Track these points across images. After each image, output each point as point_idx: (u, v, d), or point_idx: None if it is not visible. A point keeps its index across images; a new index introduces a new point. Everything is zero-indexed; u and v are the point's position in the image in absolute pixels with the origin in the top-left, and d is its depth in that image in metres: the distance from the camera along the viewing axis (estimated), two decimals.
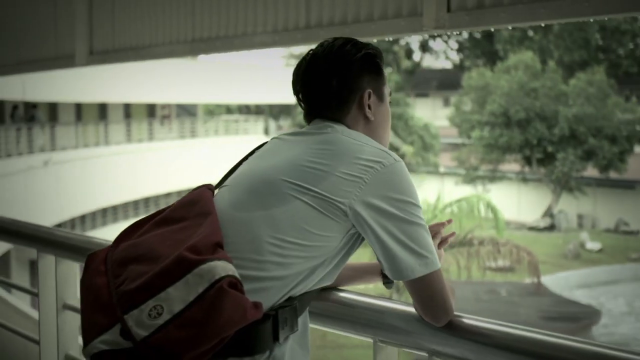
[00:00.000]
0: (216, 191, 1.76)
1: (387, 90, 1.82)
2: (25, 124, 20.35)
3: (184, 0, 4.41)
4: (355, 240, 1.66)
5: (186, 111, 30.07)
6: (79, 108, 25.54)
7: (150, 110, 28.60)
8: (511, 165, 31.70)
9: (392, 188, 1.59)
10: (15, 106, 21.48)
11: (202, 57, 30.27)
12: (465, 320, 1.67)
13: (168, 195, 26.38)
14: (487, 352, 1.61)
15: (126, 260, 1.55)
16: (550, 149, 29.14)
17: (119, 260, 1.56)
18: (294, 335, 1.63)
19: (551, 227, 28.93)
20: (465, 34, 38.85)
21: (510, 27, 3.01)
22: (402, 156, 33.52)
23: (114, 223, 23.86)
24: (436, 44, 44.48)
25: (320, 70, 1.75)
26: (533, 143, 29.31)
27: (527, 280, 17.74)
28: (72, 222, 21.12)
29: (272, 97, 31.51)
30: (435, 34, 3.22)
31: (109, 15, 5.12)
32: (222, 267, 1.47)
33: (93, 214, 22.64)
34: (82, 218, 21.83)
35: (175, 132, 26.81)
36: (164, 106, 28.81)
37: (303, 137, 1.71)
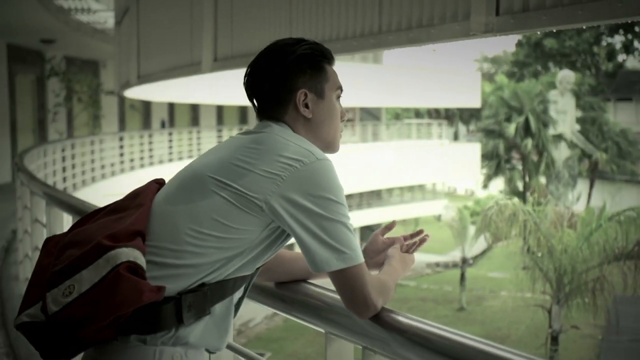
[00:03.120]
0: None
1: (330, 86, 1.88)
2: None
3: (281, 12, 4.67)
4: (279, 234, 1.76)
5: (370, 115, 30.54)
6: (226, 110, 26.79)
7: None
8: None
9: (310, 185, 1.66)
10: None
11: (387, 61, 30.65)
12: (395, 317, 1.72)
13: (350, 196, 27.03)
14: (414, 348, 1.66)
15: (68, 244, 1.75)
16: None
17: (63, 245, 1.77)
18: (211, 319, 1.76)
19: None
20: None
21: (554, 30, 2.91)
22: (595, 163, 31.75)
23: None
24: None
25: (257, 73, 1.87)
26: None
27: None
28: None
29: (461, 101, 31.16)
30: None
31: (228, 25, 5.51)
32: (125, 254, 1.64)
33: None
34: None
35: (359, 136, 27.34)
36: (348, 110, 29.48)
37: (245, 136, 1.84)
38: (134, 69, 8.84)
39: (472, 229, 24.91)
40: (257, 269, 1.84)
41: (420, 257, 30.93)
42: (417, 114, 40.57)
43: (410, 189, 30.98)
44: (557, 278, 13.47)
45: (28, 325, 1.64)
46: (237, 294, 1.85)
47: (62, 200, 4.41)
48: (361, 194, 27.86)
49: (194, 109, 23.70)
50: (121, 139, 16.22)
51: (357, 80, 26.01)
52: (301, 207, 1.66)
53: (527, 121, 30.77)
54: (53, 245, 1.78)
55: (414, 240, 2.02)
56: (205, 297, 1.71)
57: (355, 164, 25.09)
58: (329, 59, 1.90)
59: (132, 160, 16.07)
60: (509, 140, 31.28)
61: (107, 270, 1.61)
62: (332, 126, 1.88)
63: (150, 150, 17.10)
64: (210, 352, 1.88)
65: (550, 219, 14.36)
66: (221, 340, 1.81)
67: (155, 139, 17.57)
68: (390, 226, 2.04)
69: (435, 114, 39.70)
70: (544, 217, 14.09)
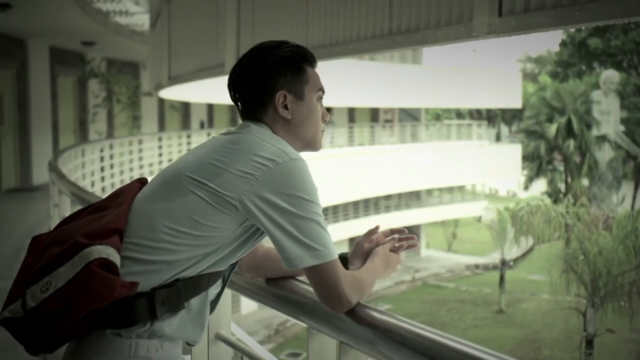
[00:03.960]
0: None
1: (311, 88, 1.91)
2: None
3: (298, 15, 4.75)
4: (254, 232, 1.82)
5: (409, 115, 30.43)
6: None
7: (374, 114, 29.40)
8: None
9: (283, 184, 1.71)
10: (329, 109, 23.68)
11: (427, 62, 30.51)
12: (370, 312, 1.76)
13: (388, 197, 26.99)
14: (387, 344, 1.69)
15: (51, 243, 1.82)
16: None
17: (47, 243, 1.83)
18: (187, 313, 1.82)
19: None
20: None
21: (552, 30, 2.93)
22: None
23: (334, 223, 24.87)
24: None
25: (239, 74, 1.92)
26: None
27: None
28: None
29: (501, 101, 30.87)
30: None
31: (250, 27, 5.60)
32: (99, 251, 1.70)
33: None
34: None
35: (397, 137, 27.28)
36: (387, 110, 29.46)
37: (225, 136, 1.89)
38: (165, 70, 9.03)
39: (512, 231, 24.65)
40: (231, 265, 1.89)
41: (460, 259, 30.74)
42: (458, 114, 40.26)
43: (450, 190, 30.79)
44: (592, 281, 13.27)
45: (9, 320, 1.71)
46: (214, 289, 1.90)
47: (85, 199, 4.54)
48: (399, 195, 27.78)
49: (233, 109, 23.92)
50: (160, 139, 16.47)
51: (395, 81, 25.97)
52: (274, 205, 1.70)
53: (569, 122, 30.34)
54: (38, 244, 1.84)
55: (402, 243, 2.03)
56: (178, 292, 1.76)
57: (394, 165, 25.04)
58: (311, 62, 1.93)
59: (170, 160, 16.30)
60: (551, 141, 30.89)
61: (80, 267, 1.67)
62: (312, 126, 1.92)
63: (189, 150, 17.33)
64: (190, 345, 1.94)
65: (585, 220, 14.13)
66: (198, 333, 1.87)
67: (194, 139, 17.78)
68: (372, 231, 2.05)
69: (476, 114, 39.32)
70: (579, 219, 13.87)
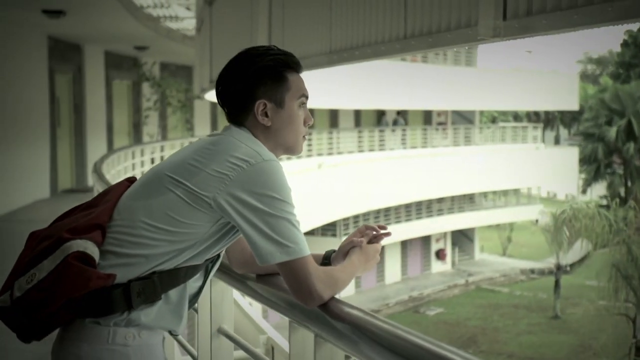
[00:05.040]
0: None
1: (292, 95, 1.98)
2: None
3: (323, 20, 4.87)
4: (229, 230, 1.92)
5: (463, 118, 30.16)
6: (357, 114, 27.04)
7: (427, 116, 29.25)
8: None
9: (255, 184, 1.79)
10: (382, 113, 25.80)
11: (481, 64, 30.20)
12: (342, 307, 1.83)
13: (441, 200, 26.82)
14: (358, 337, 1.74)
15: (44, 237, 1.95)
16: None
17: (40, 238, 1.97)
18: (166, 304, 1.93)
19: None
20: None
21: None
22: None
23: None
24: None
25: (224, 81, 2.02)
26: None
27: None
28: (335, 225, 22.41)
29: (558, 103, 30.35)
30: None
31: (280, 32, 5.73)
32: (77, 244, 1.84)
33: (358, 216, 23.69)
34: (345, 220, 22.97)
35: (450, 139, 27.09)
36: (440, 113, 29.27)
37: (207, 137, 2.00)
38: (207, 74, 9.24)
39: (566, 235, 24.22)
40: (211, 260, 2.00)
41: (515, 263, 30.32)
42: (516, 117, 39.68)
43: (504, 193, 30.39)
44: None
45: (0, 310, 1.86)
46: (195, 282, 2.01)
47: None
48: (452, 198, 27.57)
49: None
50: None
51: (449, 83, 25.81)
52: (246, 204, 1.80)
53: (629, 124, 29.61)
54: (34, 238, 1.97)
55: (379, 233, 2.08)
56: (154, 284, 1.87)
57: (446, 168, 24.88)
58: (294, 68, 2.00)
59: None
60: (610, 144, 30.21)
61: (60, 260, 1.81)
62: (292, 133, 2.00)
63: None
64: (173, 335, 2.07)
65: (635, 225, 13.79)
66: (176, 324, 1.97)
67: None
68: (361, 230, 2.11)
69: (534, 117, 38.67)
70: (627, 223, 13.54)
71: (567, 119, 42.14)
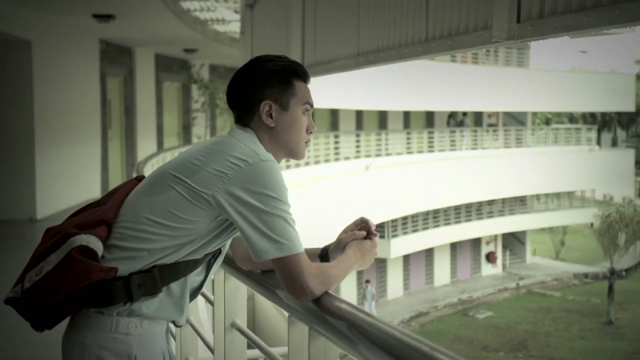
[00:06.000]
0: None
1: (297, 101, 2.06)
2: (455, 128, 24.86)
3: (351, 25, 4.96)
4: (227, 226, 2.01)
5: (515, 120, 29.78)
6: (407, 115, 26.95)
7: (477, 118, 28.98)
8: None
9: (252, 182, 1.88)
10: (450, 114, 26.38)
11: (535, 65, 29.77)
12: (335, 303, 1.89)
13: (491, 202, 26.53)
14: (348, 332, 1.79)
15: (56, 233, 2.07)
16: None
17: (53, 232, 2.09)
18: (167, 296, 2.03)
19: None
20: None
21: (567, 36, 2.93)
22: None
23: (434, 227, 24.69)
24: None
25: (234, 83, 2.12)
26: None
27: None
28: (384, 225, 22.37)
29: (613, 105, 29.71)
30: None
31: (312, 35, 5.83)
32: (81, 239, 1.96)
33: (407, 218, 23.60)
34: (394, 221, 22.89)
35: (501, 141, 26.79)
36: (490, 114, 28.96)
37: (211, 138, 2.12)
38: None
39: (622, 239, 23.74)
40: (212, 256, 2.09)
41: (568, 267, 29.79)
42: (571, 118, 38.97)
43: (557, 196, 29.89)
44: None
45: (12, 300, 1.98)
46: (196, 276, 2.10)
47: None
48: (503, 201, 27.24)
49: (333, 113, 24.25)
50: None
51: (499, 84, 25.54)
52: (243, 201, 1.88)
53: None
54: (49, 234, 2.09)
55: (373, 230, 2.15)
56: (154, 277, 1.97)
57: (497, 170, 24.63)
58: (301, 76, 2.09)
59: None
60: None
61: (65, 253, 1.93)
62: (294, 136, 2.08)
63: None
64: (176, 325, 2.15)
65: None
66: (178, 314, 2.07)
67: None
68: (357, 222, 2.18)
69: (590, 118, 37.90)
70: None
71: (624, 120, 41.17)
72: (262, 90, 2.04)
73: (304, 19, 5.97)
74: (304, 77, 2.09)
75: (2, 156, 11.43)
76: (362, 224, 2.15)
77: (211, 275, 2.20)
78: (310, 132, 2.12)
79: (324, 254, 2.19)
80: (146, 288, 1.96)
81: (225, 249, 2.15)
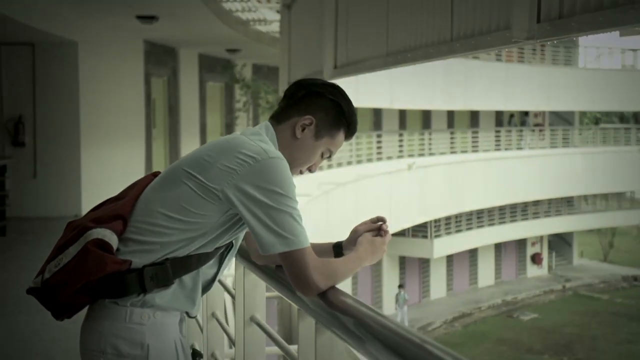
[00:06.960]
0: None
1: (327, 142, 2.17)
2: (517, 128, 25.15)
3: (381, 27, 5.02)
4: (237, 221, 2.09)
5: (562, 119, 29.32)
6: (451, 115, 26.77)
7: (523, 117, 28.62)
8: None
9: (261, 179, 1.94)
10: (512, 115, 26.76)
11: (583, 64, 29.26)
12: (341, 298, 1.93)
13: (537, 203, 26.18)
14: (354, 327, 1.80)
15: (76, 227, 2.16)
16: None
17: (73, 226, 2.19)
18: (181, 289, 2.11)
19: None
20: None
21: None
22: None
23: (478, 227, 24.48)
24: None
25: (307, 84, 2.19)
26: None
27: None
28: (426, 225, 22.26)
29: None
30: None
31: (344, 36, 5.89)
32: (97, 232, 2.05)
33: (450, 218, 23.44)
34: (437, 222, 22.76)
35: (547, 141, 26.42)
36: (537, 114, 28.57)
37: (224, 136, 2.19)
38: (285, 76, 9.52)
39: None
40: (224, 249, 2.17)
41: (616, 270, 29.22)
42: (622, 118, 38.19)
43: (605, 197, 29.33)
44: None
45: (33, 290, 2.09)
46: (209, 269, 2.18)
47: None
48: (549, 201, 26.85)
49: (376, 113, 24.22)
50: None
51: (546, 83, 25.20)
52: (251, 197, 1.95)
53: None
54: (69, 227, 2.20)
55: (385, 226, 2.21)
56: (166, 270, 2.06)
57: (543, 170, 24.31)
58: (349, 132, 2.21)
59: None
60: None
61: (81, 246, 2.03)
62: (303, 159, 2.18)
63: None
64: (189, 317, 2.23)
65: None
66: (190, 306, 2.16)
67: None
68: (374, 220, 2.23)
69: None
70: None
71: None
72: (321, 109, 2.13)
73: (337, 20, 6.03)
74: (350, 135, 2.20)
75: (49, 156, 11.74)
76: (377, 221, 2.20)
77: (224, 269, 2.28)
78: (309, 168, 2.22)
79: (338, 249, 2.24)
80: (158, 280, 2.04)
81: (238, 243, 2.22)
